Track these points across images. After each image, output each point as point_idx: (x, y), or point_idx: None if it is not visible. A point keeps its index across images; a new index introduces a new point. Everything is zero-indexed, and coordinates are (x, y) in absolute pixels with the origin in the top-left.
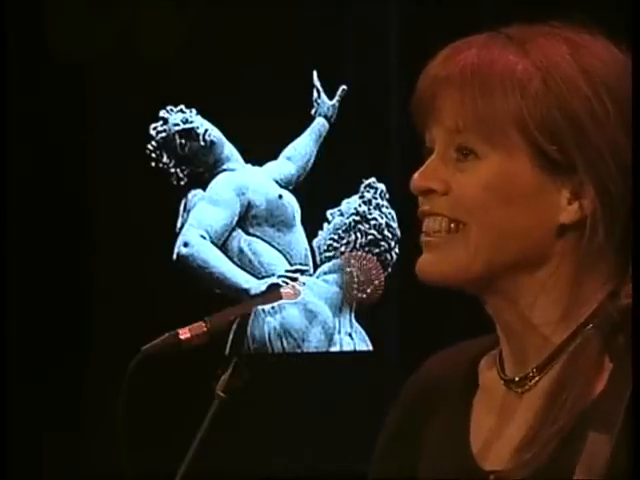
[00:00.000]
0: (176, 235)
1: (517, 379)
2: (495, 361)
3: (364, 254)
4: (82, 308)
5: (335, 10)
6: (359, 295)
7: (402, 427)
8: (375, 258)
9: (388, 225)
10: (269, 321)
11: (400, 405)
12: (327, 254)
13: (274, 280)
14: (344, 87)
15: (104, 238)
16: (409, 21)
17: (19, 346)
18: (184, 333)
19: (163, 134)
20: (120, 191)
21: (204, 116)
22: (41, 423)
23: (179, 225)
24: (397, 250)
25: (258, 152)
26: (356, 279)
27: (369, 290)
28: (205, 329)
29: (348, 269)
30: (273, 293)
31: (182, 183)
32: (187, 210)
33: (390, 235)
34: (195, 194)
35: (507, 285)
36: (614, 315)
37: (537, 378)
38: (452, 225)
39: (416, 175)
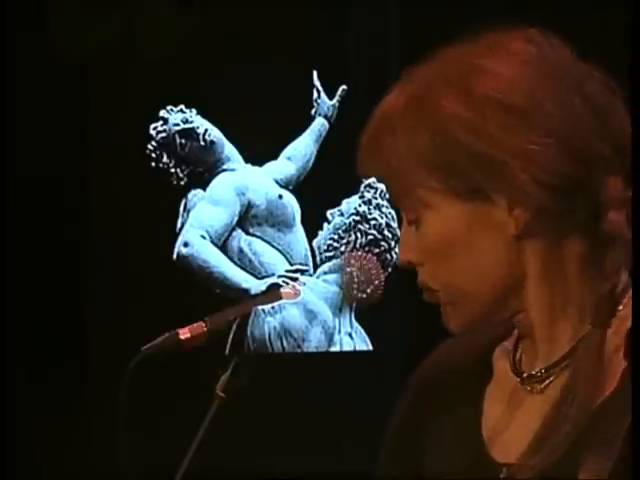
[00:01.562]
0: (176, 235)
1: (526, 375)
2: (509, 354)
3: (364, 254)
4: (82, 308)
5: (335, 10)
6: (359, 295)
7: (412, 413)
8: (375, 258)
9: (388, 225)
10: (269, 321)
11: (410, 392)
12: (327, 254)
13: (274, 280)
14: (344, 87)
15: (104, 238)
16: (409, 21)
17: (19, 346)
18: (184, 333)
19: (163, 134)
20: (120, 191)
21: (204, 116)
22: (41, 423)
23: (179, 225)
24: (397, 250)
25: (258, 152)
26: (356, 279)
27: (369, 290)
28: (205, 329)
29: (348, 269)
30: (273, 293)
31: (182, 183)
32: (187, 210)
33: (390, 235)
34: (195, 194)
35: (512, 303)
36: (618, 310)
37: (549, 379)
38: (440, 294)
39: (398, 251)
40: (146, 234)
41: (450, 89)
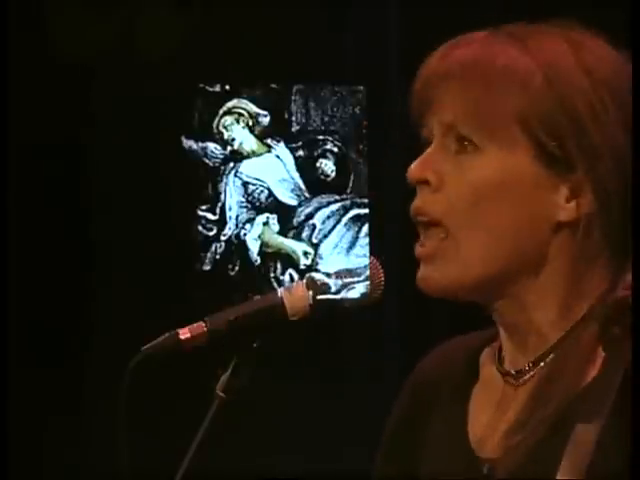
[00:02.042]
0: (176, 235)
1: (514, 372)
2: (495, 354)
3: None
4: (82, 308)
5: (335, 10)
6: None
7: (406, 415)
8: (375, 258)
9: None
10: None
11: (404, 394)
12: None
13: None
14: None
15: (104, 238)
16: (409, 21)
17: (19, 347)
18: (184, 333)
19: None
20: (120, 191)
21: None
22: (41, 423)
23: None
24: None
25: None
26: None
27: (369, 290)
28: (205, 329)
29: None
30: (273, 293)
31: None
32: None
33: None
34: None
35: (511, 288)
36: (609, 307)
37: (532, 372)
38: (442, 235)
39: (413, 165)
40: (146, 234)
41: (572, 54)
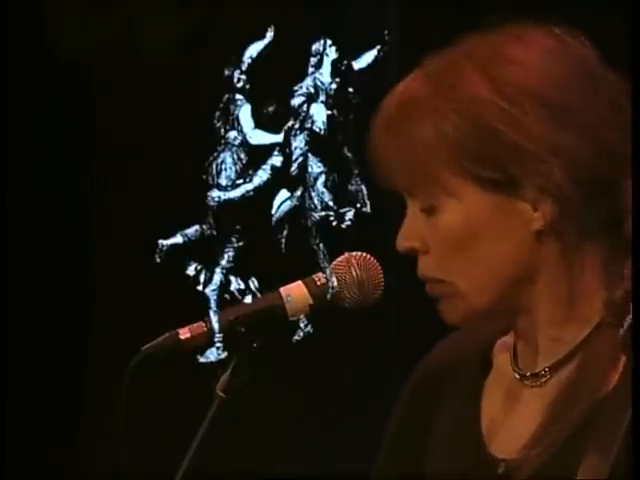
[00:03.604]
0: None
1: (529, 374)
2: (509, 351)
3: (364, 254)
4: (82, 308)
5: (335, 10)
6: (358, 295)
7: (412, 409)
8: (375, 258)
9: None
10: None
11: (410, 388)
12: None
13: None
14: None
15: (104, 238)
16: (409, 21)
17: (18, 347)
18: (184, 333)
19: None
20: (120, 191)
21: None
22: (41, 423)
23: None
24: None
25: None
26: (356, 279)
27: (368, 290)
28: (205, 329)
29: (348, 269)
30: (273, 293)
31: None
32: None
33: None
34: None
35: (517, 300)
36: (622, 305)
37: (549, 376)
38: (445, 287)
39: (398, 235)
40: (146, 234)
41: (482, 77)
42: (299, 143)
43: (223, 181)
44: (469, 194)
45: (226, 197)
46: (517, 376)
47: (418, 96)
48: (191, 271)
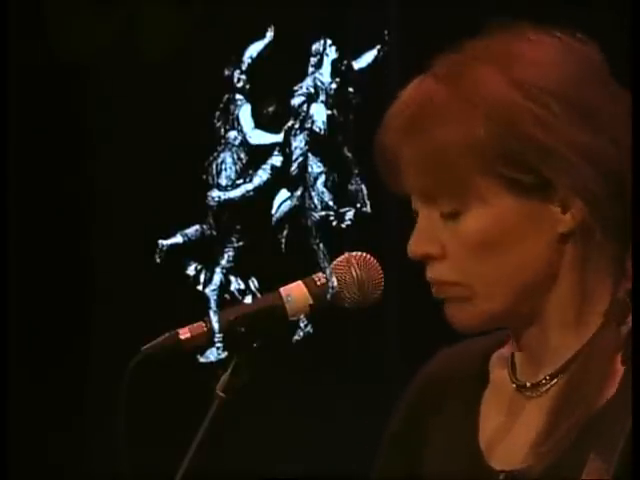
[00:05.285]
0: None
1: (529, 384)
2: (507, 362)
3: (364, 254)
4: (82, 308)
5: (335, 10)
6: (358, 295)
7: (409, 421)
8: (375, 258)
9: None
10: None
11: (408, 399)
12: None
13: None
14: None
15: (104, 238)
16: (409, 21)
17: (19, 347)
18: (184, 333)
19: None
20: (120, 191)
21: None
22: (41, 423)
23: None
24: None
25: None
26: (356, 279)
27: (368, 290)
28: (205, 329)
29: (348, 269)
30: (273, 293)
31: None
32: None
33: None
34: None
35: (531, 309)
36: (623, 308)
37: (550, 385)
38: (459, 290)
39: (411, 241)
40: (146, 234)
41: (502, 78)
42: (299, 143)
43: (223, 181)
44: (499, 199)
45: (226, 197)
46: (516, 387)
47: (437, 98)
48: (191, 271)
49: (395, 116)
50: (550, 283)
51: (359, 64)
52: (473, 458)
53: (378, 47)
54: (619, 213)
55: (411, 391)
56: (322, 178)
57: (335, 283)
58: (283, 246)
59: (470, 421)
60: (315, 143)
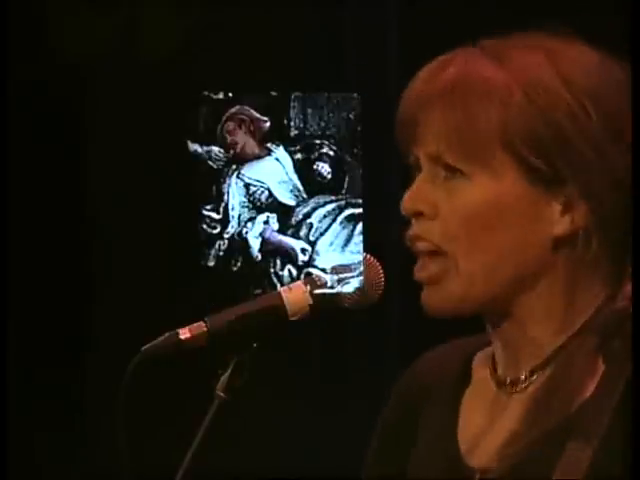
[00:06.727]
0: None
1: (509, 380)
2: (488, 360)
3: (364, 254)
4: (82, 308)
5: (334, 10)
6: (358, 295)
7: (395, 424)
8: (375, 258)
9: None
10: None
11: (393, 402)
12: None
13: None
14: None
15: (104, 238)
16: (408, 21)
17: (18, 347)
18: (184, 333)
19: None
20: (120, 191)
21: None
22: (41, 423)
23: None
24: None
25: None
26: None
27: (368, 290)
28: (205, 329)
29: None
30: (273, 293)
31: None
32: None
33: None
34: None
35: (509, 303)
36: (609, 319)
37: (528, 382)
38: (442, 259)
39: (405, 197)
40: (146, 234)
41: (552, 67)
42: None
43: None
44: (508, 176)
45: None
46: (496, 384)
47: (483, 70)
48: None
49: (428, 79)
50: (534, 281)
51: (359, 64)
52: (451, 458)
53: (378, 47)
54: (621, 229)
55: (395, 395)
56: None
57: (336, 283)
58: None
59: (450, 421)
60: None
